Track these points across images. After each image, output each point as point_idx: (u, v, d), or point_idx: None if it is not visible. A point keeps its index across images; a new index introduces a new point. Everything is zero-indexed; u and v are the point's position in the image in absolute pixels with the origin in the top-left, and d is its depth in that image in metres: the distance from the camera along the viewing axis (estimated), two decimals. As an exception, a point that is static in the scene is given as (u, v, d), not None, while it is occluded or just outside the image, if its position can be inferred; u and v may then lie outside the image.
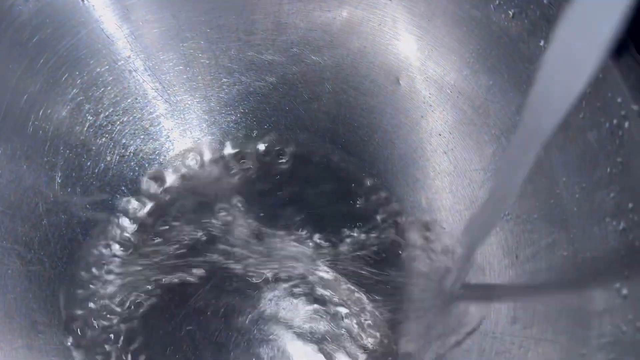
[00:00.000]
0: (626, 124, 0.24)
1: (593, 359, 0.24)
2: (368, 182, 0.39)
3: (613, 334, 0.24)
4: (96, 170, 0.38)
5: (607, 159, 0.26)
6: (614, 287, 0.24)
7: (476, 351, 0.31)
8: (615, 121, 0.25)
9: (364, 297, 0.35)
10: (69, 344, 0.35)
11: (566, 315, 0.27)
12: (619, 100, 0.25)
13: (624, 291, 0.24)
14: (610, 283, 0.24)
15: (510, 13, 0.29)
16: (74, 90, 0.36)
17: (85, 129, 0.37)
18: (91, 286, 0.36)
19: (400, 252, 0.36)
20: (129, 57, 0.37)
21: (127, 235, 0.38)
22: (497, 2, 0.29)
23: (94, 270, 0.37)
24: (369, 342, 0.34)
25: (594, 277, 0.26)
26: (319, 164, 0.40)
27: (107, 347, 0.35)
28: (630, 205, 0.24)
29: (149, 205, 0.39)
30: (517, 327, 0.29)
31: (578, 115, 0.27)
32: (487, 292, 0.32)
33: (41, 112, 0.35)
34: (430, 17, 0.33)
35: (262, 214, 0.39)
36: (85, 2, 0.34)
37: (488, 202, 0.24)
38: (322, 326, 0.35)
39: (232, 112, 0.40)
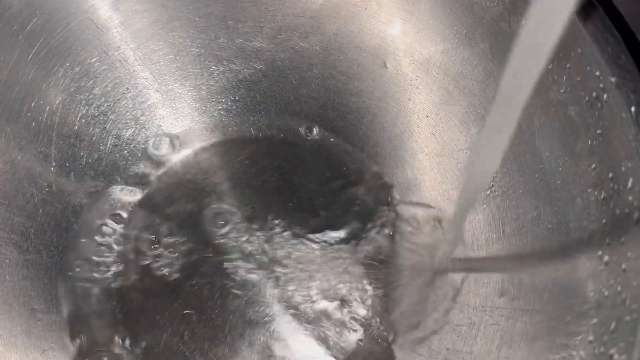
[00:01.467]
0: (604, 96, 0.25)
1: (577, 325, 0.25)
2: (358, 165, 0.39)
3: (596, 300, 0.24)
4: (90, 160, 0.38)
5: (587, 132, 0.26)
6: (596, 255, 0.25)
7: (466, 325, 0.32)
8: (594, 94, 0.26)
9: (358, 273, 0.36)
10: (67, 330, 0.36)
11: (551, 285, 0.28)
12: (597, 73, 0.25)
13: (606, 258, 0.24)
14: (593, 251, 0.25)
15: (493, -6, 0.30)
16: (66, 81, 0.36)
17: (78, 119, 0.38)
18: (88, 274, 0.37)
19: (391, 230, 0.37)
20: (119, 47, 0.37)
21: (121, 223, 0.39)
22: (481, -20, 0.30)
23: (90, 257, 0.37)
24: (363, 317, 0.35)
25: (578, 247, 0.27)
26: (309, 148, 0.40)
27: (106, 332, 0.36)
28: (610, 174, 0.25)
29: (142, 193, 0.40)
30: (505, 299, 0.30)
31: (559, 90, 0.28)
32: (475, 265, 0.33)
33: (34, 103, 0.35)
34: (414, 1, 0.33)
35: (254, 199, 0.39)
36: (74, -7, 0.35)
37: (471, 173, 0.25)
38: (318, 304, 0.36)
39: (223, 100, 0.41)
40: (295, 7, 0.37)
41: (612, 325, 0.23)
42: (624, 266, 0.23)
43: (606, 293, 0.24)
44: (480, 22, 0.31)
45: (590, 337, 0.24)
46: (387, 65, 0.37)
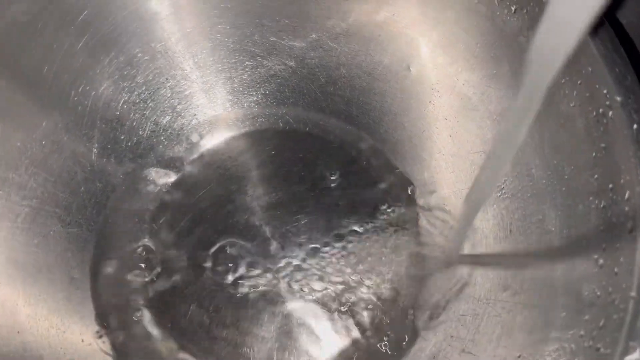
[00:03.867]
0: (610, 113, 0.27)
1: (571, 320, 0.27)
2: (378, 161, 0.42)
3: (589, 299, 0.27)
4: (129, 143, 0.41)
5: (592, 144, 0.28)
6: (592, 258, 0.27)
7: (471, 315, 0.34)
8: (601, 110, 0.28)
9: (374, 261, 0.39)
10: (102, 298, 0.39)
11: (550, 283, 0.30)
12: (605, 91, 0.27)
13: (601, 261, 0.27)
14: (590, 254, 0.27)
15: (513, 9, 0.32)
16: (111, 69, 0.39)
17: (120, 104, 0.40)
18: (122, 247, 0.40)
19: (407, 223, 0.40)
20: (162, 39, 0.40)
21: (155, 202, 0.42)
22: (500, -3, 0.32)
23: (124, 232, 0.40)
24: (376, 300, 0.38)
25: (576, 250, 0.29)
26: (333, 142, 0.43)
27: (136, 303, 0.39)
28: (610, 185, 0.27)
29: (176, 176, 0.43)
30: (508, 293, 0.33)
31: (569, 104, 0.30)
32: (482, 260, 0.35)
33: (81, 88, 0.38)
34: (441, 10, 0.35)
35: (279, 187, 0.42)
36: (124, -12, 0.37)
37: (481, 176, 0.27)
38: (337, 284, 0.38)
39: (254, 92, 0.43)
40: (327, 10, 0.39)
41: (602, 322, 0.25)
42: (616, 270, 0.25)
43: (598, 293, 0.26)
44: (501, 35, 0.33)
45: (582, 332, 0.26)
46: (411, 69, 0.39)
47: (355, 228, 0.40)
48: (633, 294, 0.24)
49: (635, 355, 0.23)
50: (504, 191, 0.35)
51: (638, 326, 0.23)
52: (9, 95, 0.35)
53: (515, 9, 0.32)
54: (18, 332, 0.35)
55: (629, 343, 0.23)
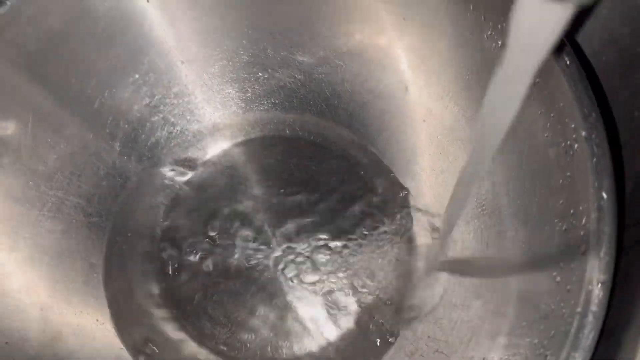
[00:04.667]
0: (576, 146, 0.30)
1: (528, 329, 0.31)
2: (375, 172, 0.45)
3: (545, 311, 0.30)
4: (148, 143, 0.45)
5: (560, 172, 0.31)
6: (551, 275, 0.30)
7: (447, 319, 0.38)
8: (569, 142, 0.31)
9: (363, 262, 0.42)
10: (117, 283, 0.43)
11: (516, 295, 0.33)
12: (573, 126, 0.30)
13: (558, 278, 0.30)
14: (550, 271, 0.31)
15: (500, 43, 0.35)
16: (135, 76, 0.43)
17: (142, 107, 0.44)
18: (137, 238, 0.44)
19: (396, 230, 0.43)
20: (182, 50, 0.44)
21: (170, 197, 0.45)
22: (490, 32, 0.35)
23: (141, 224, 0.44)
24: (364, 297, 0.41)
25: (540, 266, 0.32)
26: (334, 151, 0.46)
27: (147, 289, 0.43)
28: (572, 211, 0.30)
29: (189, 175, 0.46)
30: (480, 302, 0.36)
31: (543, 134, 0.33)
32: (460, 269, 0.38)
33: (107, 92, 0.42)
34: (437, 40, 0.38)
35: (282, 188, 0.45)
36: (150, 1, 0.41)
37: (460, 183, 0.30)
38: (329, 282, 0.42)
39: (265, 102, 0.47)
40: (335, 31, 0.42)
41: (552, 333, 0.28)
42: (568, 287, 0.28)
43: (552, 307, 0.29)
44: (489, 64, 0.36)
45: (535, 340, 0.29)
46: (408, 90, 0.42)
47: (350, 230, 0.44)
48: (579, 309, 0.27)
49: (574, 363, 0.26)
50: (484, 207, 0.38)
51: (580, 338, 0.27)
52: (41, 98, 0.39)
53: (502, 44, 0.35)
54: (41, 309, 0.39)
55: (571, 353, 0.26)
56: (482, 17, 0.35)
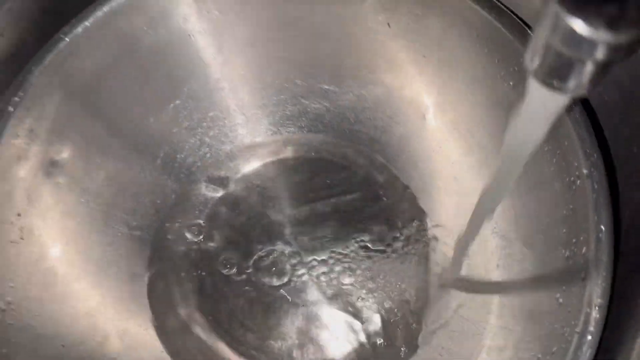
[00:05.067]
0: (578, 182, 0.34)
1: (533, 344, 0.34)
2: (395, 192, 0.49)
3: (548, 329, 0.34)
4: (186, 163, 0.49)
5: (564, 204, 0.35)
6: (555, 297, 0.34)
7: (459, 331, 0.41)
8: (572, 178, 0.34)
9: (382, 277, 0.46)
10: (158, 292, 0.47)
11: (524, 313, 0.37)
12: (576, 164, 0.34)
13: (560, 300, 0.33)
14: (554, 293, 0.34)
15: (511, 83, 0.38)
16: (176, 102, 0.47)
17: (181, 130, 0.48)
18: (176, 250, 0.48)
19: (413, 246, 0.47)
20: (218, 79, 0.47)
21: (204, 212, 0.49)
22: (502, 73, 0.38)
23: (179, 237, 0.48)
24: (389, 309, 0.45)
25: (545, 288, 0.36)
26: (356, 171, 0.50)
27: (184, 299, 0.47)
28: (574, 240, 0.34)
29: (222, 192, 0.50)
30: (491, 317, 0.40)
31: (550, 167, 0.36)
32: (473, 286, 0.42)
33: (150, 117, 0.46)
34: (452, 78, 0.42)
35: (307, 207, 0.49)
36: (192, 37, 0.45)
37: (478, 208, 0.34)
38: (352, 294, 0.46)
39: (292, 125, 0.51)
40: (362, 66, 0.46)
41: (554, 349, 0.32)
42: (569, 309, 0.32)
43: (555, 325, 0.33)
44: (501, 102, 0.40)
45: (539, 355, 0.33)
46: (426, 117, 0.46)
47: (371, 246, 0.47)
48: (578, 329, 0.31)
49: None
50: (495, 230, 0.42)
51: (579, 355, 0.30)
52: (92, 124, 0.43)
53: (513, 84, 0.38)
54: (91, 315, 0.43)
55: (570, 368, 0.30)
56: (496, 60, 0.38)
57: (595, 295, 0.31)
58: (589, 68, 0.18)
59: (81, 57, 0.41)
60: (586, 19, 0.16)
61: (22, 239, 0.40)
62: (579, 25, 0.16)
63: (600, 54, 0.17)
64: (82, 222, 0.44)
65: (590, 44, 0.17)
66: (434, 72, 0.43)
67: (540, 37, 0.18)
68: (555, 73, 0.19)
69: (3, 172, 0.39)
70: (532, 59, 0.19)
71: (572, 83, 0.19)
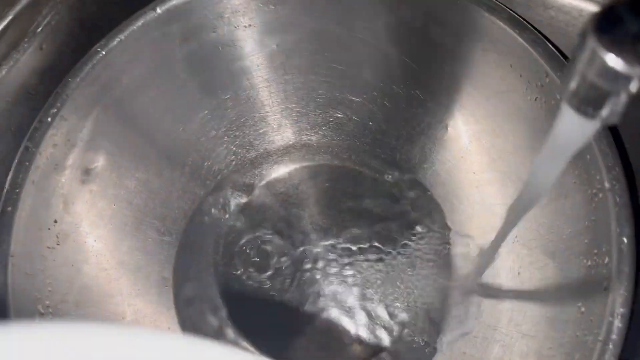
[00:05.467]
0: (600, 195, 0.35)
1: (554, 351, 0.35)
2: (416, 199, 0.50)
3: (570, 337, 0.35)
4: (212, 170, 0.51)
5: (586, 215, 0.36)
6: (577, 305, 0.35)
7: (480, 337, 0.43)
8: (594, 191, 0.35)
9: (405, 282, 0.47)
10: (186, 296, 0.48)
11: (544, 320, 0.38)
12: (598, 177, 0.35)
13: (582, 309, 0.35)
14: (576, 302, 0.35)
15: (534, 98, 0.39)
16: (204, 112, 0.48)
17: (209, 139, 0.50)
18: (204, 255, 0.49)
19: (436, 253, 0.48)
20: (246, 89, 0.49)
21: (231, 218, 0.51)
22: (525, 88, 0.40)
23: (207, 242, 0.50)
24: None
25: (566, 296, 0.37)
26: (377, 179, 0.51)
27: (213, 298, 0.48)
28: (595, 250, 0.35)
29: (247, 199, 0.52)
30: (511, 324, 0.41)
31: (572, 180, 0.37)
32: (495, 293, 0.43)
33: (180, 127, 0.48)
34: (475, 91, 0.43)
35: (329, 213, 0.51)
36: (221, 49, 0.46)
37: (508, 218, 0.35)
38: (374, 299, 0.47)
39: (316, 134, 0.52)
40: (382, 76, 0.47)
41: (576, 357, 0.33)
42: (591, 318, 0.33)
43: (577, 333, 0.34)
44: (525, 116, 0.41)
45: (561, 362, 0.34)
46: (449, 129, 0.47)
47: (393, 250, 0.49)
48: (601, 337, 0.32)
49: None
50: (517, 239, 0.43)
51: (601, 363, 0.31)
52: (125, 134, 0.45)
53: (536, 98, 0.39)
54: (122, 317, 0.45)
55: (593, 376, 0.31)
56: (519, 75, 0.40)
57: (617, 304, 0.32)
58: (622, 99, 0.19)
59: (117, 69, 0.42)
60: (622, 55, 0.18)
61: (58, 244, 0.42)
62: (615, 61, 0.18)
63: (634, 87, 0.18)
64: (115, 227, 0.46)
65: (625, 78, 0.18)
66: (456, 86, 0.44)
67: (577, 68, 0.20)
68: (590, 102, 0.20)
69: (41, 180, 0.40)
70: (567, 87, 0.21)
71: (605, 112, 0.20)
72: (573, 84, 0.20)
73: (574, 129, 0.22)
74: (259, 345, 0.47)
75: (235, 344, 0.47)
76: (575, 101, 0.21)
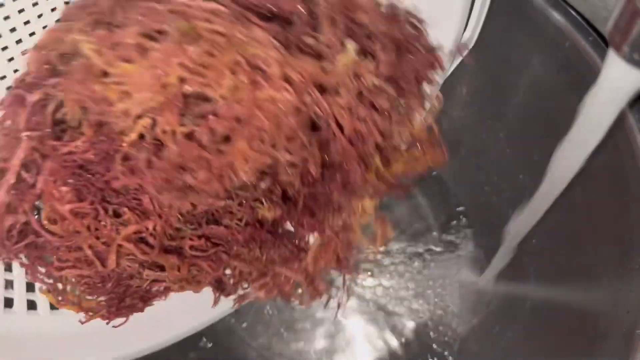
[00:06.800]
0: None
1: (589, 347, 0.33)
2: (435, 198, 0.48)
3: (597, 330, 0.32)
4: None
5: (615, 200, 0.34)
6: (602, 299, 0.33)
7: (502, 337, 0.40)
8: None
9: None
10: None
11: (569, 313, 0.35)
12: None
13: (609, 302, 0.32)
14: (601, 295, 0.33)
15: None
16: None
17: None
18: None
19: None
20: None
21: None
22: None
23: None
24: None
25: (590, 290, 0.34)
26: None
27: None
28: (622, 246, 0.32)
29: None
30: (533, 316, 0.38)
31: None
32: (516, 287, 0.41)
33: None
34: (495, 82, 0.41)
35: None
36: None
37: (530, 209, 0.32)
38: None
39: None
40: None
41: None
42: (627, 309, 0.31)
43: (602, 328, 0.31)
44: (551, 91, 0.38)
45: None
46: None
47: (409, 250, 0.46)
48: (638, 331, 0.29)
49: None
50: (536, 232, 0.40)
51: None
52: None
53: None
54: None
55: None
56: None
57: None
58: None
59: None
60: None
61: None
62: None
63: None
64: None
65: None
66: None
67: (627, 7, 0.17)
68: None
69: None
70: (615, 32, 0.18)
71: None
72: (620, 27, 0.18)
73: (620, 79, 0.20)
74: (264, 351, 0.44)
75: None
76: (624, 47, 0.18)
